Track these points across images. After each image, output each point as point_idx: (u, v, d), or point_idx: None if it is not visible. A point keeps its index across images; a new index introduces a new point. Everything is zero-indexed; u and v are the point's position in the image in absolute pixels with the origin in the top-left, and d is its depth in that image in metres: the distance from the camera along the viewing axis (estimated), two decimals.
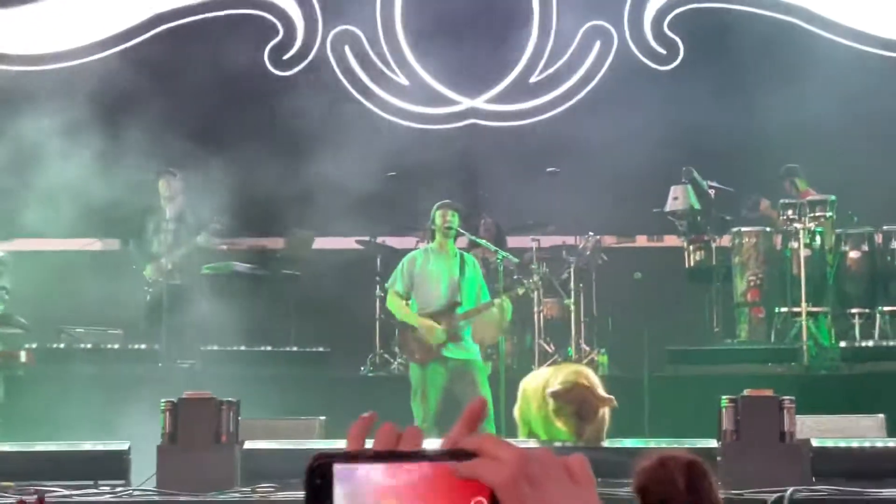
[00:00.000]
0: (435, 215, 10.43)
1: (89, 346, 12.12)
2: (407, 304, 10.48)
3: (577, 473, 1.51)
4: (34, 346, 11.64)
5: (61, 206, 13.64)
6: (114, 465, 8.15)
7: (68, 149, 13.67)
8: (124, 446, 8.18)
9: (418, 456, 1.53)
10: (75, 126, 13.78)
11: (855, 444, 8.23)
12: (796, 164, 13.15)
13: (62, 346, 12.12)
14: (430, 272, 10.34)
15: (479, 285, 10.46)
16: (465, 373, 10.16)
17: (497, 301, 10.44)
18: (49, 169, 13.67)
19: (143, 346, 12.19)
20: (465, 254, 10.64)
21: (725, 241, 12.90)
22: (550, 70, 15.19)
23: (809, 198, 12.41)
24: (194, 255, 12.79)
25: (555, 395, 7.24)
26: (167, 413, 8.05)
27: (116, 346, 12.18)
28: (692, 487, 3.81)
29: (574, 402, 7.11)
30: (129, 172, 13.39)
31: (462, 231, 10.81)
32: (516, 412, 8.04)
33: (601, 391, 7.26)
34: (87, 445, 8.38)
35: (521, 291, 11.32)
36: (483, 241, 11.66)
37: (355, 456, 1.52)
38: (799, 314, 11.98)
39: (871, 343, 11.91)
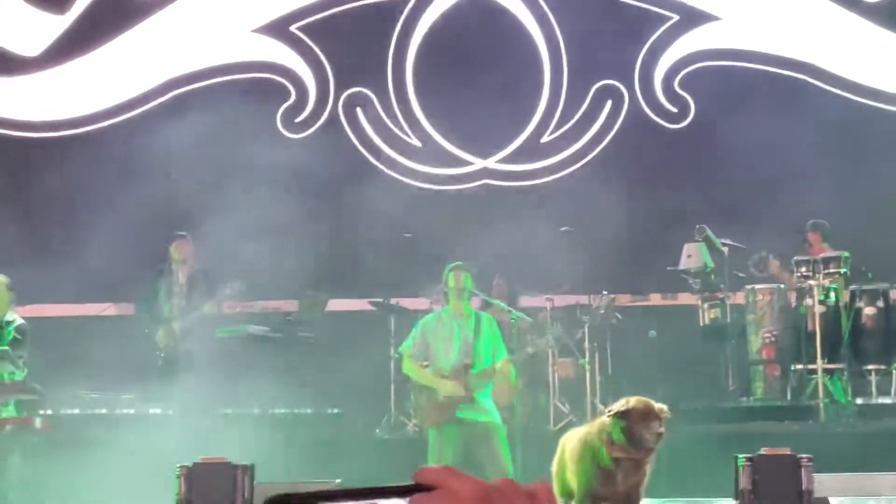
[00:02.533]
0: (448, 277, 10.40)
1: (103, 411, 12.10)
2: (425, 368, 10.44)
3: (543, 502, 1.45)
4: (49, 412, 11.62)
5: (75, 271, 13.69)
6: None
7: (82, 213, 13.73)
8: None
9: (376, 493, 1.48)
10: (88, 191, 13.85)
11: (873, 502, 8.16)
12: (823, 221, 13.09)
13: (76, 411, 12.10)
14: (444, 335, 10.30)
15: (495, 345, 10.39)
16: (482, 434, 10.08)
17: (499, 365, 10.36)
18: (62, 234, 13.73)
19: (157, 411, 12.16)
20: (481, 314, 10.58)
21: (740, 298, 12.87)
22: (562, 130, 15.23)
23: (823, 254, 12.38)
24: (205, 320, 12.79)
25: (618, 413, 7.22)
26: (182, 478, 8.02)
27: (130, 411, 12.15)
28: None
29: (636, 412, 7.08)
30: (141, 236, 13.45)
31: (476, 292, 10.80)
32: (554, 467, 7.96)
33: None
34: None
35: (531, 351, 11.24)
36: (496, 301, 11.64)
37: (311, 496, 1.48)
38: (815, 371, 11.93)
39: (888, 400, 11.85)
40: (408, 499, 1.44)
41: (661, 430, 7.13)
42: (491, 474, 9.95)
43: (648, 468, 7.26)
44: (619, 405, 7.25)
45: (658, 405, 7.24)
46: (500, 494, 1.41)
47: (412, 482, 1.46)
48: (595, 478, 7.21)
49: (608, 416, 7.22)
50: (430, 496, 1.42)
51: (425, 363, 10.44)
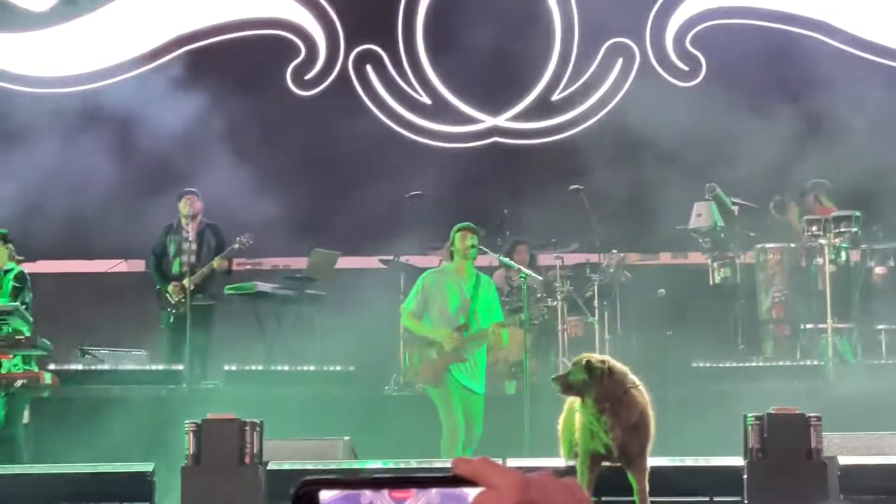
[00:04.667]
0: (455, 237, 10.33)
1: (113, 367, 12.12)
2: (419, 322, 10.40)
3: (578, 495, 1.45)
4: (58, 367, 11.64)
5: (86, 226, 13.71)
6: (138, 487, 8.15)
7: (92, 170, 13.72)
8: (149, 468, 8.18)
9: (409, 482, 1.46)
10: (98, 147, 13.84)
11: (883, 461, 8.17)
12: (824, 180, 13.06)
13: (86, 367, 12.12)
14: (445, 294, 10.24)
15: (491, 308, 10.36)
16: (468, 397, 10.13)
17: (492, 329, 10.32)
18: (71, 190, 13.73)
19: (167, 367, 12.17)
20: (481, 275, 10.53)
21: (750, 257, 12.84)
22: (573, 87, 15.17)
23: (834, 213, 12.34)
24: (214, 276, 12.78)
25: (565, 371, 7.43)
26: (191, 434, 8.05)
27: (140, 368, 12.18)
28: None
29: (578, 367, 7.23)
30: (151, 193, 13.44)
31: (485, 249, 10.74)
32: (559, 426, 7.99)
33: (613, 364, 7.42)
34: (112, 467, 8.37)
35: (523, 318, 11.24)
36: (506, 260, 11.60)
37: (343, 482, 1.45)
38: (824, 331, 11.91)
39: None
40: (445, 489, 1.43)
41: (583, 376, 7.22)
42: (466, 436, 10.01)
43: (647, 428, 7.27)
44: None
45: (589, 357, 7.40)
46: (541, 488, 1.42)
47: (450, 473, 1.44)
48: (586, 436, 7.26)
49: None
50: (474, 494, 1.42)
51: (419, 319, 10.39)
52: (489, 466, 1.41)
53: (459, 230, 10.32)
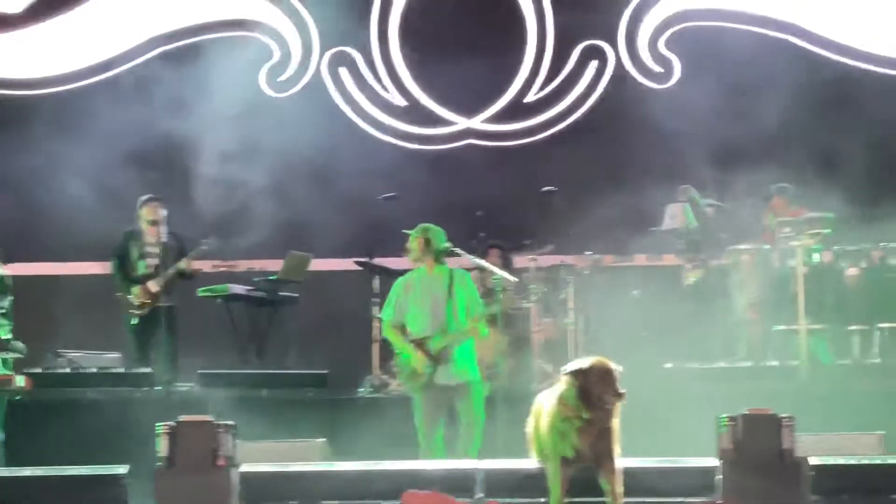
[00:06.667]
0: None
1: (86, 369, 12.08)
2: (404, 330, 10.17)
3: None
4: (31, 370, 11.59)
5: (58, 229, 13.67)
6: (111, 490, 8.11)
7: (65, 173, 13.68)
8: (122, 471, 8.15)
9: None
10: (71, 148, 13.79)
11: (854, 461, 8.19)
12: (786, 185, 13.05)
13: (59, 370, 12.08)
14: (417, 297, 10.03)
15: (469, 302, 10.12)
16: (460, 393, 9.98)
17: (466, 328, 10.09)
18: (46, 192, 13.69)
19: (140, 370, 12.13)
20: (454, 271, 10.24)
21: (723, 259, 12.86)
22: (546, 90, 15.21)
23: (807, 215, 12.37)
24: (177, 278, 12.68)
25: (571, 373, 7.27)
26: (164, 437, 8.01)
27: (113, 370, 12.13)
28: None
29: (594, 372, 7.16)
30: (124, 195, 13.40)
31: (459, 252, 10.64)
32: (529, 427, 7.96)
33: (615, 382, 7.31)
34: (85, 470, 8.33)
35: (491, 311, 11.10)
36: (480, 262, 11.53)
37: None
38: (797, 332, 11.95)
39: (870, 360, 11.88)
40: None
41: (622, 391, 7.16)
42: (465, 426, 9.91)
43: (614, 430, 7.27)
44: (577, 364, 7.32)
45: (615, 366, 7.29)
46: None
47: None
48: (556, 438, 7.24)
49: (563, 375, 7.27)
50: None
51: (404, 327, 10.18)
52: (440, 502, 1.42)
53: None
